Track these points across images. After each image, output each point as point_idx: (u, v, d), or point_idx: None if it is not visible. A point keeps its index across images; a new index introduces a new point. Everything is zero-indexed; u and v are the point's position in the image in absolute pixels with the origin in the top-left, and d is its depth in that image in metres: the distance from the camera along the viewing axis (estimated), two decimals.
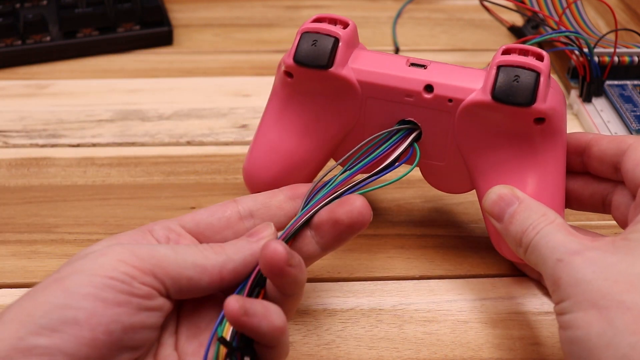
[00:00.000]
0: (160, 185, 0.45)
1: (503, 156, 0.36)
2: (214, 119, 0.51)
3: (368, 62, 0.37)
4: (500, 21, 0.62)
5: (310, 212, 0.33)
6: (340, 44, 0.36)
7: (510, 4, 0.59)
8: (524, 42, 0.41)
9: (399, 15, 0.65)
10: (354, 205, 0.32)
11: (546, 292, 0.38)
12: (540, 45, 0.58)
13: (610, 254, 0.29)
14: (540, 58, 0.35)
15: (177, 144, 0.49)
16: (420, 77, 0.36)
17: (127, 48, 0.59)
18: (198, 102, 0.53)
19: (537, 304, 0.38)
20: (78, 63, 0.57)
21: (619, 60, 0.52)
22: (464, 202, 0.44)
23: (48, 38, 0.57)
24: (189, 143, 0.49)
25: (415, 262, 0.40)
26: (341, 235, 0.32)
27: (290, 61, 0.37)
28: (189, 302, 0.32)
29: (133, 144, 0.49)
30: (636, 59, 0.53)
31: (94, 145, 0.48)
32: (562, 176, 0.36)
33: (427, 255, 0.40)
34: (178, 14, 0.64)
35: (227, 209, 0.33)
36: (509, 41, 0.60)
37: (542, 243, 0.30)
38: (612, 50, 0.51)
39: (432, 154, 0.38)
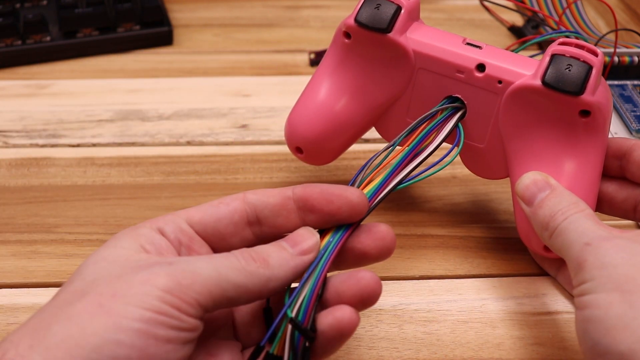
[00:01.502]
0: (160, 185, 0.45)
1: (543, 144, 0.36)
2: (214, 119, 0.51)
3: (425, 35, 0.37)
4: (500, 21, 0.62)
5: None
6: (402, 11, 0.37)
7: (510, 4, 0.59)
8: (523, 42, 0.41)
9: None
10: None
11: (546, 292, 0.38)
12: (540, 45, 0.58)
13: (638, 244, 0.29)
14: (594, 54, 0.35)
15: (177, 144, 0.49)
16: (474, 55, 0.36)
17: (127, 48, 0.59)
18: (198, 102, 0.53)
19: (537, 304, 0.38)
20: (78, 63, 0.57)
21: (619, 60, 0.52)
22: (464, 203, 0.44)
23: (48, 38, 0.57)
24: (189, 143, 0.49)
25: (415, 262, 0.40)
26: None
27: (351, 22, 0.37)
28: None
29: (133, 144, 0.49)
30: (636, 59, 0.53)
31: (94, 145, 0.48)
32: (597, 174, 0.36)
33: (427, 255, 0.40)
34: (178, 14, 0.64)
35: (235, 213, 0.31)
36: (509, 41, 0.60)
37: (570, 228, 0.31)
38: (612, 50, 0.51)
39: (473, 135, 0.38)
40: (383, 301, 0.38)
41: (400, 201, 0.44)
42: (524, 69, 0.36)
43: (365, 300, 0.30)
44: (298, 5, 0.67)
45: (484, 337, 0.36)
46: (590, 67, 0.34)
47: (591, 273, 0.29)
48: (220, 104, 0.53)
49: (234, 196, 0.31)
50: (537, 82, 0.34)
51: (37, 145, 0.48)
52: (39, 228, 0.41)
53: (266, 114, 0.52)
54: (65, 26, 0.57)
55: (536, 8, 0.57)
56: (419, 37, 0.37)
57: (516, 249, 0.41)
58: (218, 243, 0.31)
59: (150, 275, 0.26)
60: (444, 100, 0.37)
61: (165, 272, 0.27)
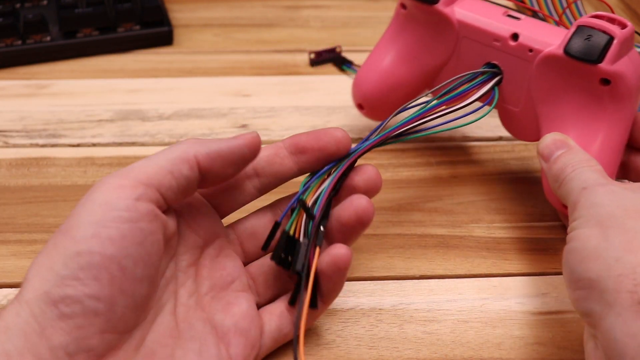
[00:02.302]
0: None
1: (569, 110, 0.38)
2: (214, 119, 0.51)
3: (470, 6, 0.41)
4: None
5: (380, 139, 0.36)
6: None
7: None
8: None
9: None
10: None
11: (546, 292, 0.38)
12: None
13: (631, 191, 0.31)
14: (623, 27, 0.37)
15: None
16: (510, 26, 0.40)
17: (127, 48, 0.59)
18: (198, 102, 0.53)
19: (537, 304, 0.38)
20: (78, 63, 0.57)
21: None
22: (464, 202, 0.44)
23: (48, 38, 0.57)
24: None
25: (415, 262, 0.40)
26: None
27: None
28: (206, 261, 0.34)
29: (133, 144, 0.49)
30: None
31: (94, 145, 0.48)
32: (620, 142, 0.38)
33: (427, 255, 0.40)
34: (178, 14, 0.64)
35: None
36: None
37: (575, 176, 0.33)
38: None
39: (509, 99, 0.41)
40: (383, 301, 0.38)
41: (401, 201, 0.44)
42: (554, 39, 0.38)
43: (361, 219, 0.33)
44: (298, 5, 0.67)
45: (484, 337, 0.36)
46: (611, 38, 0.36)
47: (580, 212, 0.31)
48: (220, 104, 0.53)
49: None
50: (560, 51, 0.37)
51: (37, 145, 0.48)
52: (39, 228, 0.41)
53: (266, 114, 0.52)
54: (65, 26, 0.57)
55: (536, 7, 0.57)
56: (463, 9, 0.41)
57: (516, 249, 0.41)
58: (222, 201, 0.35)
59: (99, 185, 0.30)
60: (484, 66, 0.41)
61: (110, 178, 0.30)
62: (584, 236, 0.30)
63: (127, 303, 0.28)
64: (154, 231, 0.29)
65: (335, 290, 0.33)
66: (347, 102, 0.52)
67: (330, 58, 0.58)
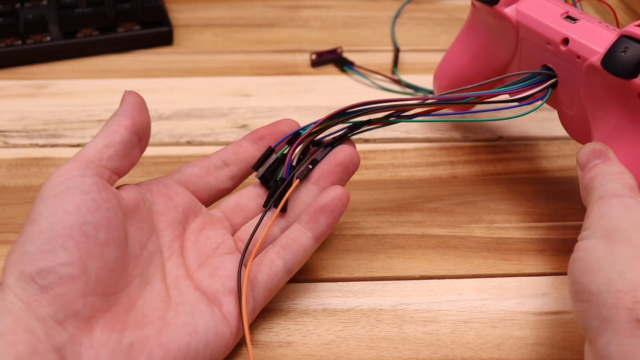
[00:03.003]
0: None
1: (610, 120, 0.37)
2: (214, 119, 0.51)
3: (531, 6, 0.40)
4: None
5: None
6: None
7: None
8: None
9: (397, 15, 0.65)
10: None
11: (546, 292, 0.38)
12: None
13: None
14: None
15: (177, 144, 0.49)
16: (563, 29, 0.38)
17: (127, 48, 0.59)
18: (198, 102, 0.53)
19: (537, 304, 0.38)
20: (78, 63, 0.57)
21: None
22: (464, 202, 0.44)
23: (48, 38, 0.57)
24: (189, 143, 0.49)
25: (415, 262, 0.40)
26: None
27: None
28: (191, 235, 0.36)
29: None
30: None
31: None
32: None
33: (427, 255, 0.40)
34: (178, 14, 0.64)
35: (204, 160, 0.38)
36: None
37: (600, 186, 0.33)
38: None
39: (564, 102, 0.40)
40: (383, 301, 0.38)
41: (400, 201, 0.44)
42: (603, 46, 0.36)
43: (347, 168, 0.37)
44: (298, 5, 0.67)
45: (484, 337, 0.36)
46: None
47: (592, 222, 0.31)
48: (220, 104, 0.53)
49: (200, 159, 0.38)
50: (598, 62, 0.36)
51: (37, 145, 0.48)
52: None
53: (266, 114, 0.52)
54: (65, 26, 0.57)
55: None
56: (524, 8, 0.41)
57: (516, 249, 0.41)
58: (197, 183, 0.37)
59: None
60: (541, 68, 0.40)
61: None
62: (589, 247, 0.30)
63: (99, 265, 0.30)
64: (106, 199, 0.31)
65: (331, 226, 0.36)
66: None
67: (332, 59, 0.58)
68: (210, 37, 0.61)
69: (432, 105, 0.38)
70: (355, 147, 0.38)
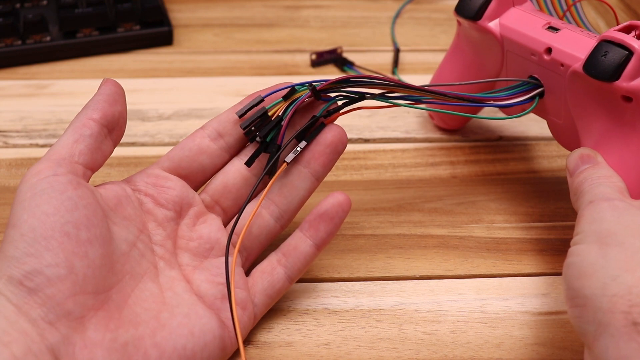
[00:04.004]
0: None
1: (597, 125, 0.37)
2: None
3: (514, 19, 0.41)
4: None
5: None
6: (492, 1, 0.41)
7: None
8: None
9: (397, 15, 0.65)
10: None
11: (546, 292, 0.38)
12: None
13: (637, 208, 0.30)
14: None
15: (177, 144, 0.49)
16: (546, 39, 0.39)
17: (127, 48, 0.59)
18: (198, 102, 0.53)
19: (537, 304, 0.38)
20: (78, 63, 0.57)
21: None
22: (464, 202, 0.44)
23: (48, 38, 0.57)
24: None
25: (415, 262, 0.40)
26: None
27: (455, 12, 0.43)
28: (183, 231, 0.35)
29: (133, 144, 0.49)
30: None
31: None
32: None
33: (427, 255, 0.40)
34: (178, 14, 0.64)
35: (196, 137, 0.36)
36: None
37: (589, 190, 0.33)
38: None
39: (552, 111, 0.41)
40: (383, 301, 0.38)
41: (401, 201, 0.44)
42: (585, 52, 0.37)
43: (336, 148, 0.36)
44: (298, 5, 0.67)
45: (484, 337, 0.36)
46: (629, 53, 0.34)
47: (583, 226, 0.31)
48: (220, 104, 0.53)
49: (193, 132, 0.37)
50: (580, 68, 0.36)
51: (37, 145, 0.48)
52: None
53: None
54: (65, 26, 0.57)
55: (536, 8, 0.57)
56: (507, 22, 0.41)
57: (516, 249, 0.41)
58: (189, 166, 0.36)
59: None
60: (528, 79, 0.41)
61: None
62: (582, 252, 0.30)
63: (85, 263, 0.29)
64: (82, 196, 0.31)
65: (332, 233, 0.35)
66: None
67: (332, 59, 0.58)
68: (210, 37, 0.61)
69: (433, 95, 0.37)
70: (342, 127, 0.37)
